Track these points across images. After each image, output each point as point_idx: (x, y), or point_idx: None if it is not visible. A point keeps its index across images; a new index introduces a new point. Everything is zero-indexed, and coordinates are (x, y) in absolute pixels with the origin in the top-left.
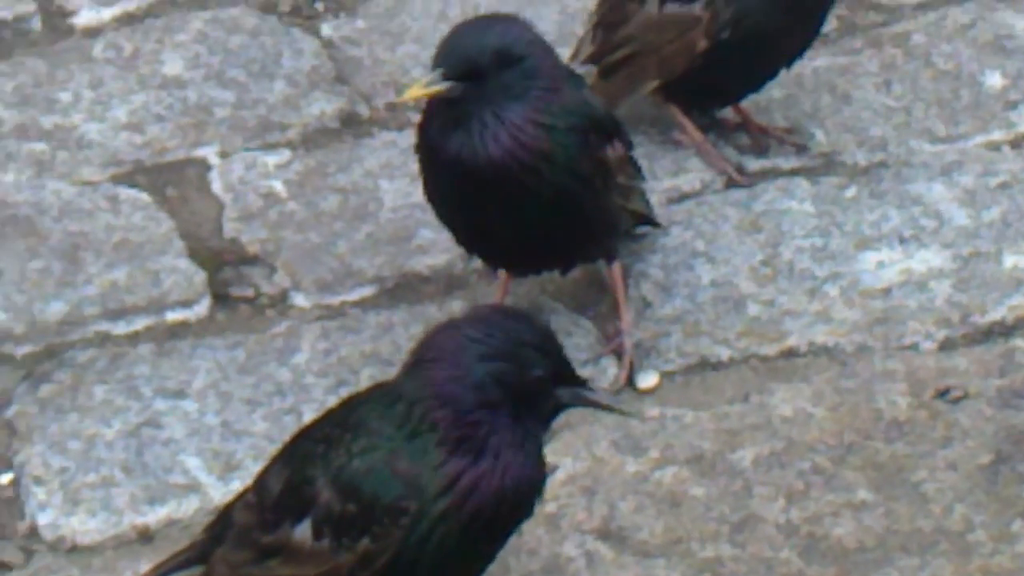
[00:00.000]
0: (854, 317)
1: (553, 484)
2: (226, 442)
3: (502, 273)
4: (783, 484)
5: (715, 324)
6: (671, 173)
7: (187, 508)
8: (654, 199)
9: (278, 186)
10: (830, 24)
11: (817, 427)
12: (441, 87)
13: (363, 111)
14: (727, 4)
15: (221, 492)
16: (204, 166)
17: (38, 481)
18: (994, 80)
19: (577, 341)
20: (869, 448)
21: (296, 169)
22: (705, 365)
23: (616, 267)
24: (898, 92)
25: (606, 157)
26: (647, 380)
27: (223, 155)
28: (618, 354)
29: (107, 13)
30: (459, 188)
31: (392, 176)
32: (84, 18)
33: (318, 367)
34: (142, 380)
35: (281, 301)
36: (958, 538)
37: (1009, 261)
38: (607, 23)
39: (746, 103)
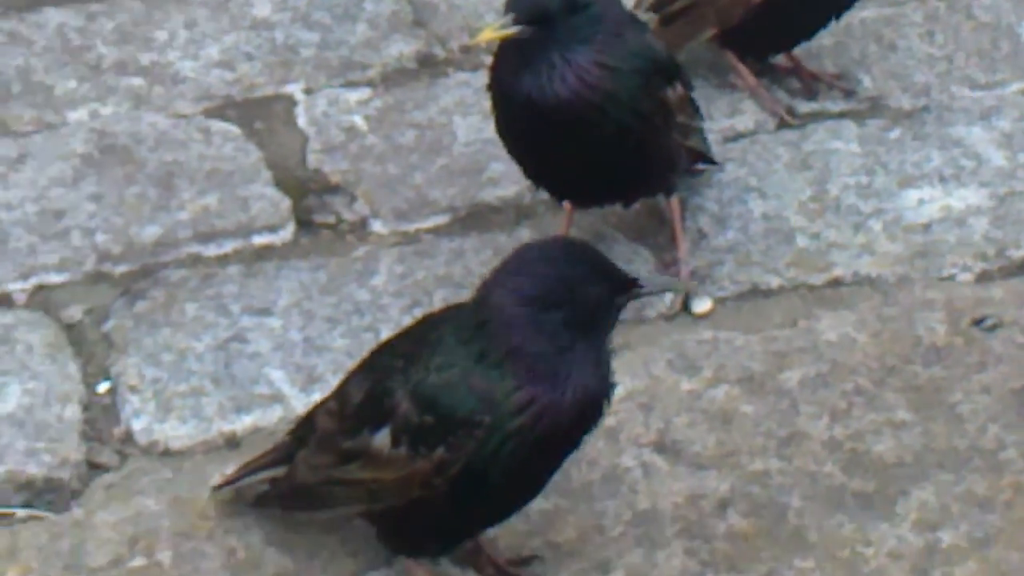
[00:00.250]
0: (896, 250)
1: (613, 400)
2: (308, 357)
3: (567, 205)
4: (827, 403)
5: (766, 254)
6: (727, 114)
7: (271, 417)
8: (711, 138)
9: (359, 121)
10: None
11: (860, 351)
12: (512, 30)
13: (439, 52)
14: None
15: (303, 403)
16: (290, 101)
17: (133, 390)
18: None
19: (636, 268)
20: (908, 371)
21: (376, 106)
22: (756, 292)
23: (674, 200)
24: (940, 41)
25: (666, 97)
26: (701, 305)
27: (308, 92)
28: None
29: None
30: (528, 125)
31: (465, 113)
32: None
33: (394, 289)
34: (230, 298)
35: (361, 227)
36: (990, 456)
37: None
38: None
39: (798, 50)
